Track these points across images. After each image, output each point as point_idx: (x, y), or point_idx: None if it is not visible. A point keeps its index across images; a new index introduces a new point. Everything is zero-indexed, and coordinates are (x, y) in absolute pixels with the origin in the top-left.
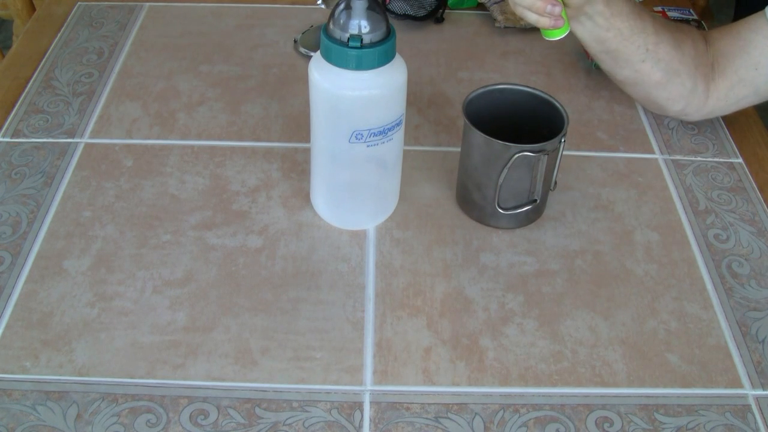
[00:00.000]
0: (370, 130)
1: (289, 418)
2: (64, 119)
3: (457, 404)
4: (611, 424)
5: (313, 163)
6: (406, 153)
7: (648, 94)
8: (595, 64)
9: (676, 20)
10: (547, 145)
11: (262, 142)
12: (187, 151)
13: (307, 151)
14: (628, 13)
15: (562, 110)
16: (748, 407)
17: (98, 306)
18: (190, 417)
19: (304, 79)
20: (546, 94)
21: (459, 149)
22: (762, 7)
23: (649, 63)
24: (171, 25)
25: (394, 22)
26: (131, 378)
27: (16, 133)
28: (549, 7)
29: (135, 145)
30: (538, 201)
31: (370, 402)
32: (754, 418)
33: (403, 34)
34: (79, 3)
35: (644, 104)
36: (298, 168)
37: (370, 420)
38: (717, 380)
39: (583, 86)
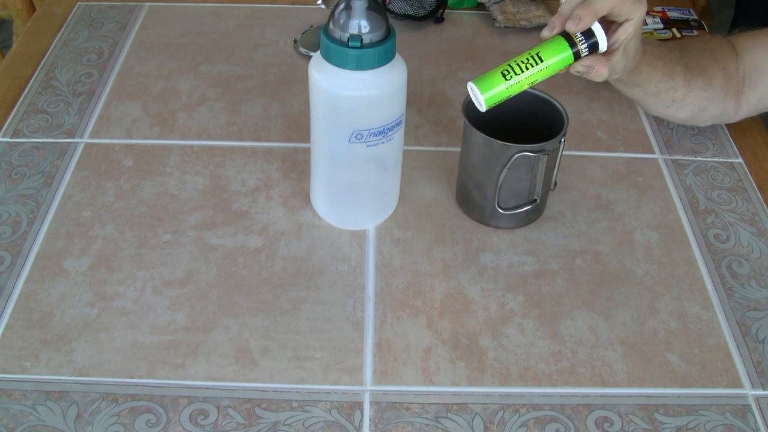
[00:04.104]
0: (370, 130)
1: (289, 418)
2: (64, 119)
3: (457, 404)
4: (611, 424)
5: (313, 163)
6: (406, 153)
7: (674, 120)
8: None
9: (677, 20)
10: (547, 145)
11: (262, 142)
12: (187, 151)
13: (307, 151)
14: (659, 77)
15: (562, 110)
16: (748, 407)
17: (98, 306)
18: (190, 417)
19: (304, 79)
20: (546, 94)
21: (459, 149)
22: (762, 8)
23: (674, 108)
24: (171, 25)
25: (394, 22)
26: (131, 378)
27: (16, 133)
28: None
29: (135, 145)
30: (538, 201)
31: (370, 402)
32: (754, 418)
33: (403, 34)
34: (79, 3)
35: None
36: (298, 168)
37: (370, 420)
38: (717, 380)
39: (583, 86)
